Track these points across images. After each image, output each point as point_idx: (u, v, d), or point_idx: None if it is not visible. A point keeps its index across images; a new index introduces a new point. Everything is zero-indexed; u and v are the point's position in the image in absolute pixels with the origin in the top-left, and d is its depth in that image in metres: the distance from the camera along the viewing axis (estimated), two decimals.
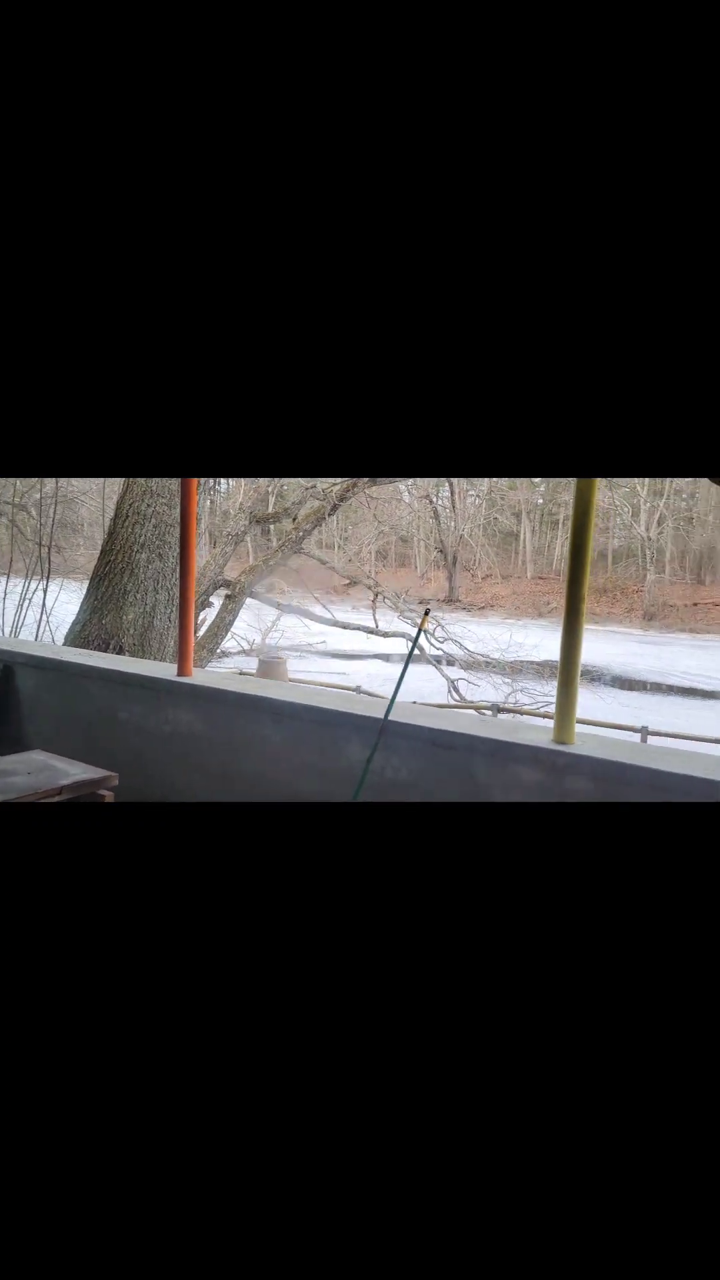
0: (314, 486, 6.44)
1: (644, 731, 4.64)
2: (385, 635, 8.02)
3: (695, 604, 22.47)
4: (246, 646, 8.85)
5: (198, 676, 2.86)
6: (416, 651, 2.52)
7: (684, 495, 22.10)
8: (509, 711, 6.35)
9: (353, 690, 5.74)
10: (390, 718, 2.31)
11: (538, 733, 2.23)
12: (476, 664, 8.38)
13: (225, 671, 6.65)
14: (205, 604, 5.97)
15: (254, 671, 7.41)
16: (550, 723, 2.19)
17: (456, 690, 7.72)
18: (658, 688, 13.45)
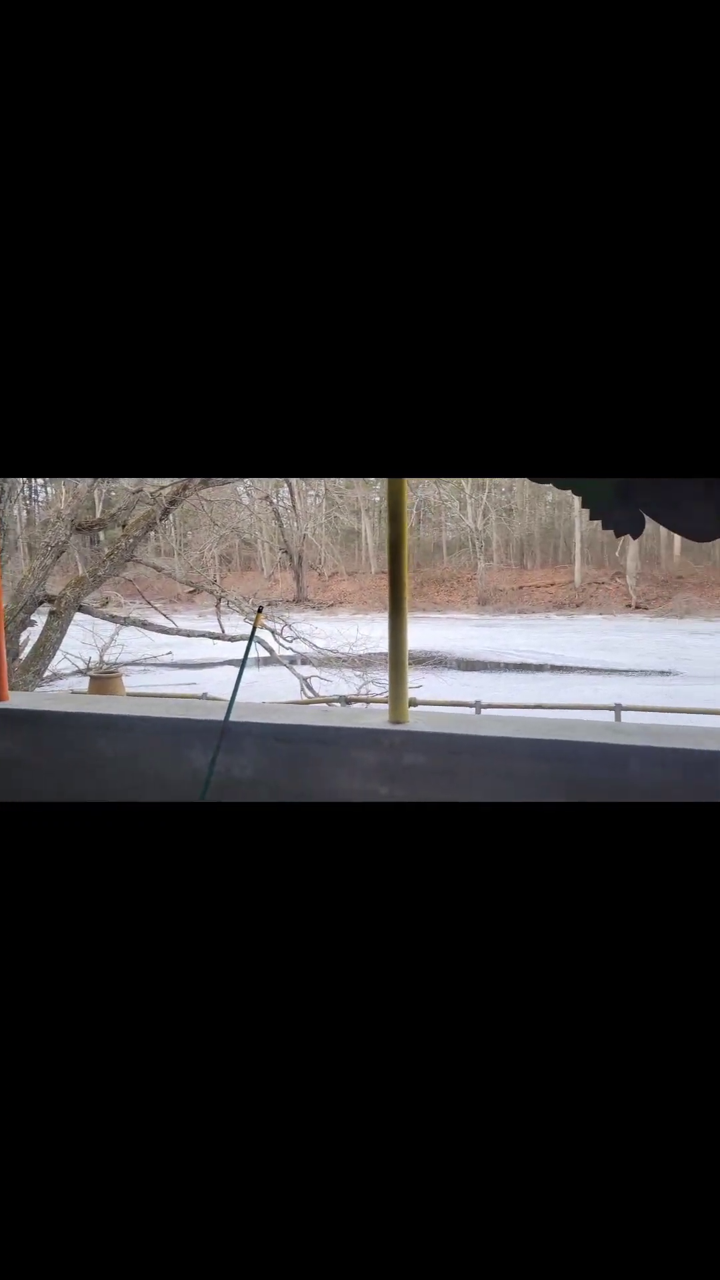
0: (140, 490, 6.12)
1: (478, 705, 5.03)
2: (233, 640, 7.86)
3: (521, 587, 24.77)
4: (83, 665, 8.21)
5: (15, 700, 2.60)
6: (266, 653, 2.51)
7: (503, 489, 24.19)
8: (359, 701, 6.54)
9: (199, 697, 5.56)
10: (231, 719, 2.27)
11: (375, 716, 2.32)
12: (328, 660, 8.51)
13: (54, 693, 6.11)
14: (26, 622, 5.44)
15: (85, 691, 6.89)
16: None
17: (310, 687, 7.79)
18: (495, 666, 14.64)
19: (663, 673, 13.29)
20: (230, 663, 12.08)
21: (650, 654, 15.16)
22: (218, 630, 8.02)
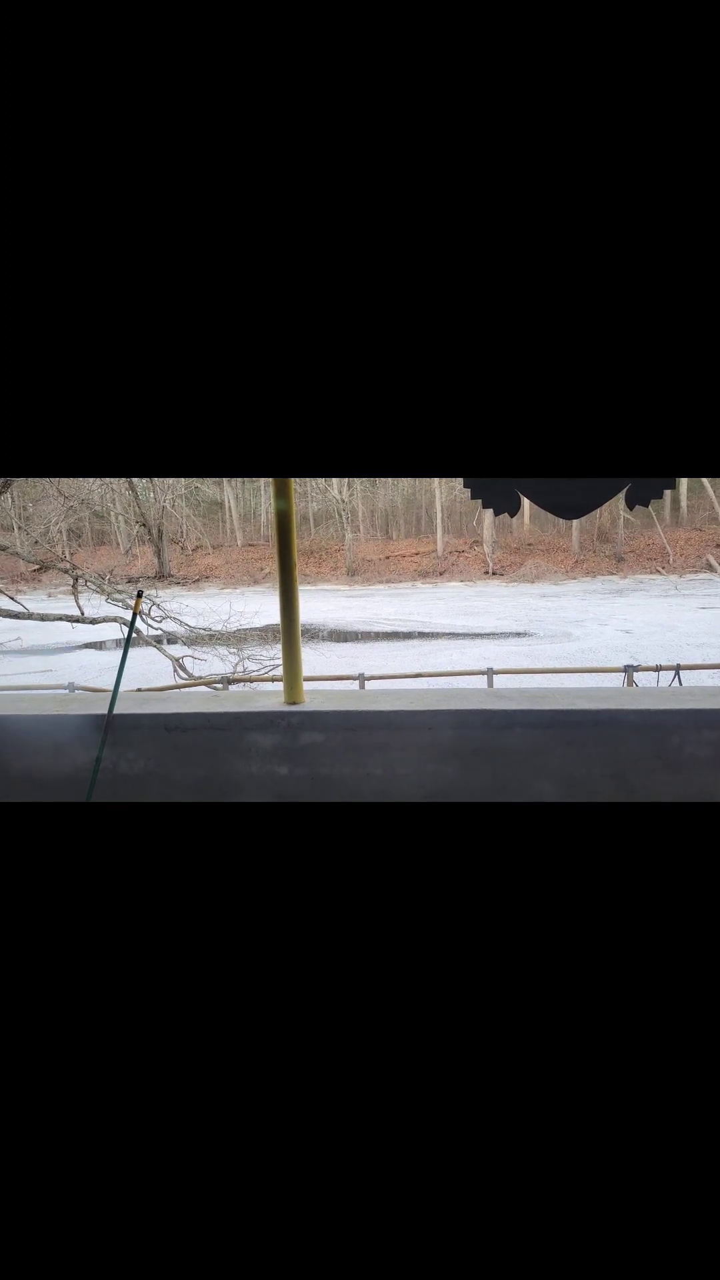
0: None
1: (361, 678, 5.14)
2: (94, 622, 7.31)
3: (387, 557, 25.46)
4: None
5: None
6: (133, 635, 2.35)
7: None
8: (240, 681, 6.41)
9: (65, 689, 5.12)
10: (116, 711, 2.11)
11: (269, 698, 2.27)
12: (200, 639, 8.21)
13: None
14: None
15: None
16: (279, 686, 2.25)
17: (183, 668, 7.48)
18: (367, 635, 15.00)
19: (519, 634, 14.41)
20: (90, 646, 11.23)
21: (508, 617, 16.35)
22: (75, 612, 7.41)
